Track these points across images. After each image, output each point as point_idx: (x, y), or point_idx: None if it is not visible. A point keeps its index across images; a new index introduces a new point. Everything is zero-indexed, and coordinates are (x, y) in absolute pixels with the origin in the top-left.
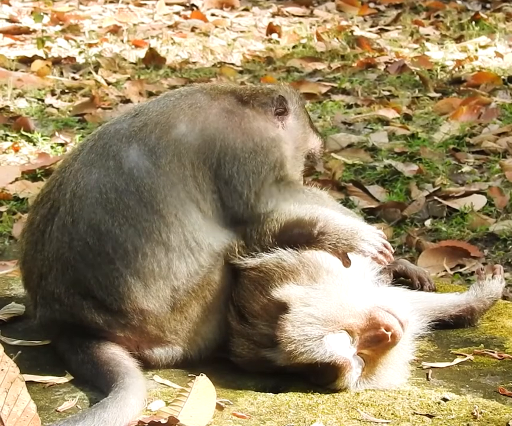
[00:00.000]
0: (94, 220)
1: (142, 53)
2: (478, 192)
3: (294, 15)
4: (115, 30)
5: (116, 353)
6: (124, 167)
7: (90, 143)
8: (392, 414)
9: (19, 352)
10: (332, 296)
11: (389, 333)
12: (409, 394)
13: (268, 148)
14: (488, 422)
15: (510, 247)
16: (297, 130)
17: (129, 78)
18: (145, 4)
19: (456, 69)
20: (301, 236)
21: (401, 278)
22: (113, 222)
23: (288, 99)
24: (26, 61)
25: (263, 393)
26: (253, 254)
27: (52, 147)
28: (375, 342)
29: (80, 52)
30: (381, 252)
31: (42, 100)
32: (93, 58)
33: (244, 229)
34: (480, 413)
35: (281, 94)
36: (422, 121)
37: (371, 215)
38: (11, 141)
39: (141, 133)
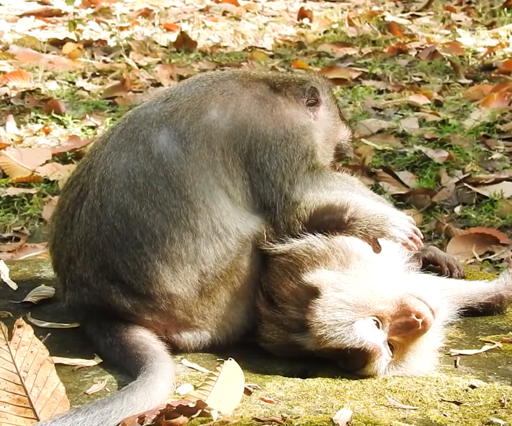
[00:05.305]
0: (122, 205)
1: (173, 37)
2: (508, 179)
3: (325, 0)
4: (146, 13)
5: (144, 337)
6: (153, 151)
7: (120, 127)
8: (419, 401)
9: (49, 334)
10: (363, 282)
11: (420, 321)
12: (437, 381)
13: (299, 135)
14: None
15: None
16: (327, 121)
17: (160, 62)
18: None
19: (488, 56)
20: (331, 222)
21: (430, 265)
22: (141, 206)
23: (320, 90)
24: (57, 43)
25: (291, 378)
26: (282, 239)
27: (82, 130)
28: (406, 329)
29: (111, 36)
30: (411, 238)
31: (73, 83)
32: (124, 41)
33: (274, 216)
34: (508, 400)
35: (313, 85)
36: (453, 107)
37: (401, 201)
38: (42, 123)
39: (172, 118)
